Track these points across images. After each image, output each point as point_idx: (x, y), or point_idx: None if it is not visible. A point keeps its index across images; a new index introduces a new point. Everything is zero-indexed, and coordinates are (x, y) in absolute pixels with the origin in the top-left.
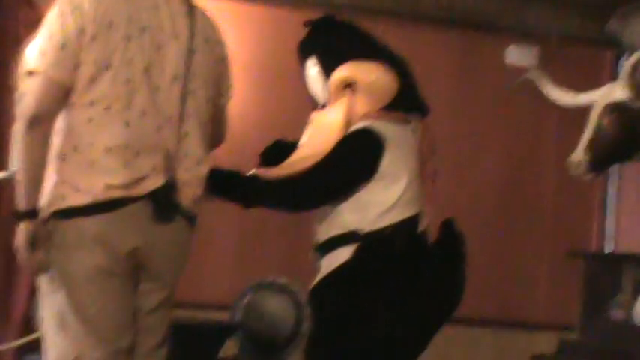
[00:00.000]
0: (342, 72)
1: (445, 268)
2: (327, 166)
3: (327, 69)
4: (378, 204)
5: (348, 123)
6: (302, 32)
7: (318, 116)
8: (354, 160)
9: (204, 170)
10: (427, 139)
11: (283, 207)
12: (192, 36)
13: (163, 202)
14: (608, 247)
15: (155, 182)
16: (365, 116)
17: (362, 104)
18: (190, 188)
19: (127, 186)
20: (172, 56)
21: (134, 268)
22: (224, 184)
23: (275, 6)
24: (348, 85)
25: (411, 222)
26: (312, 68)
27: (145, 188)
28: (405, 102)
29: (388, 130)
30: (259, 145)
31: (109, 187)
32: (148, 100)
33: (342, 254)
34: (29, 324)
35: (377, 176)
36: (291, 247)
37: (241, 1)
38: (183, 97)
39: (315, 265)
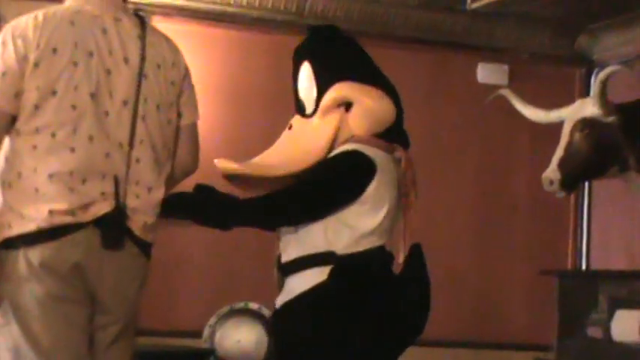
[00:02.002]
0: (343, 91)
1: (414, 294)
2: (318, 184)
3: (321, 78)
4: (357, 228)
5: (334, 141)
6: (269, 55)
7: (302, 124)
8: (347, 180)
9: (156, 197)
10: (411, 170)
11: (266, 224)
12: (142, 60)
13: (111, 228)
14: (583, 265)
15: (103, 208)
16: (355, 138)
17: (355, 127)
18: (141, 215)
19: (72, 212)
20: (122, 81)
21: (86, 296)
22: (199, 207)
23: (241, 29)
24: (344, 104)
25: (384, 249)
26: (306, 73)
27: (92, 214)
28: (393, 132)
29: (377, 156)
30: None
31: (53, 213)
32: (96, 125)
33: (316, 275)
34: None
35: (361, 200)
36: (263, 271)
37: (208, 23)
38: (133, 123)
39: (278, 284)
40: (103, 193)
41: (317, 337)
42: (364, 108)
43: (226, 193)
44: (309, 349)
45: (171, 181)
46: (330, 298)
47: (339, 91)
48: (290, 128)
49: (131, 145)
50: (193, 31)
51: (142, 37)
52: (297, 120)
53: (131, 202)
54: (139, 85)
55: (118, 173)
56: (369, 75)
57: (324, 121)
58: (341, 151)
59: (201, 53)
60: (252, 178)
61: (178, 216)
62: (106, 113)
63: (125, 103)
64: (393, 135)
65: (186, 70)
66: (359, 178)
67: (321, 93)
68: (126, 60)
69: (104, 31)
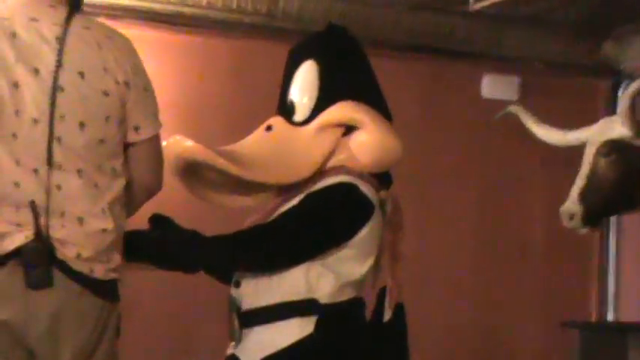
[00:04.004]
0: (357, 113)
1: (400, 345)
2: (310, 220)
3: (329, 86)
4: (343, 274)
5: (323, 163)
6: (231, 63)
7: (287, 130)
8: (343, 219)
9: (93, 227)
10: (399, 213)
11: (241, 265)
12: (57, 69)
13: (32, 261)
14: (610, 316)
15: (19, 239)
16: (346, 169)
17: (359, 157)
18: (72, 247)
19: None
20: (31, 96)
21: (17, 347)
22: (160, 247)
23: (200, 33)
24: (347, 125)
25: (362, 300)
26: (309, 74)
27: (4, 247)
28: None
29: (371, 195)
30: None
31: None
32: (1, 151)
33: (299, 327)
34: None
35: (350, 243)
36: (221, 326)
37: (160, 27)
38: (49, 144)
39: (234, 334)
40: (19, 224)
41: None
42: (375, 140)
43: (190, 229)
44: None
45: (129, 203)
46: (321, 353)
47: (352, 111)
48: (269, 129)
49: (49, 170)
50: (143, 36)
51: (62, 40)
52: (279, 123)
53: (56, 232)
54: (53, 100)
55: (36, 202)
56: (383, 102)
57: (320, 137)
58: (337, 183)
59: (153, 61)
60: (214, 174)
61: (135, 259)
62: (14, 135)
63: (35, 121)
64: (382, 174)
65: (134, 74)
66: (355, 218)
67: (322, 102)
68: (36, 70)
69: (13, 36)
